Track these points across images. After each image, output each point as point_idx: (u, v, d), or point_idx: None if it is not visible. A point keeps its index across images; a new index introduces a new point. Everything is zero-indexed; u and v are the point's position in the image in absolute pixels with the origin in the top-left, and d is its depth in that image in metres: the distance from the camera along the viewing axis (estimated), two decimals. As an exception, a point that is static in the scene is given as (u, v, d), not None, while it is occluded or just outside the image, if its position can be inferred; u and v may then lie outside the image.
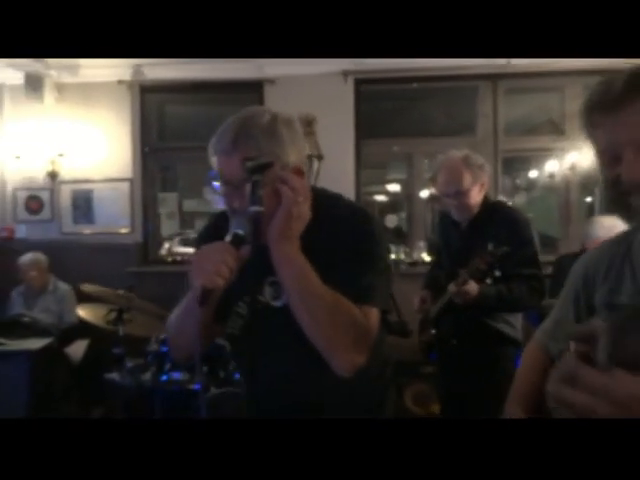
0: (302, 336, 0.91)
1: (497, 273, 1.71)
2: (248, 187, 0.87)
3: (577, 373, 0.47)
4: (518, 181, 5.74)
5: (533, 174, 5.38)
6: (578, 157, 3.64)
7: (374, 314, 0.94)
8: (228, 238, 0.87)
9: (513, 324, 1.90)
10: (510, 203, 4.03)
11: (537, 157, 4.63)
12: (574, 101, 3.62)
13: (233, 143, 0.90)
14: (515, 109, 3.84)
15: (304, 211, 0.92)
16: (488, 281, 1.74)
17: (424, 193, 4.06)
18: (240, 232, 0.87)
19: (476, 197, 1.87)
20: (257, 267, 0.91)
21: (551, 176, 4.36)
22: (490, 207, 1.91)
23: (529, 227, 1.85)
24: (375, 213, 5.10)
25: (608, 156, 0.70)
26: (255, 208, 0.86)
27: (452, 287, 1.80)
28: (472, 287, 1.75)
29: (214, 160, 0.94)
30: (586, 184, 3.75)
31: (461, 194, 1.83)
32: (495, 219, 1.86)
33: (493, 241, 1.75)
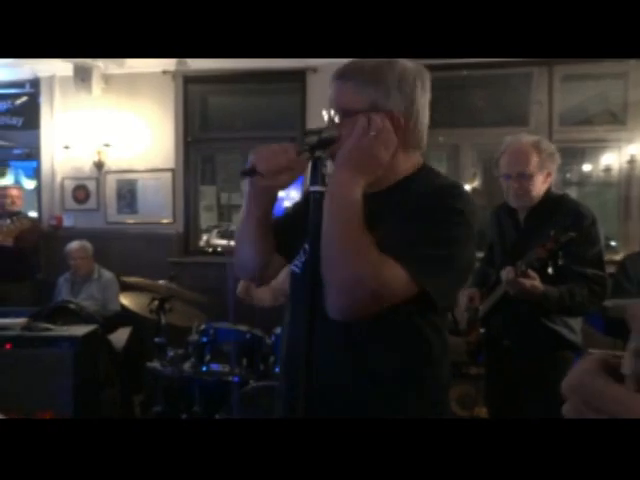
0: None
1: (560, 262, 1.56)
2: (309, 165, 0.81)
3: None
4: (569, 175, 5.44)
5: (586, 167, 5.08)
6: (639, 149, 3.39)
7: (400, 274, 0.81)
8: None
9: (573, 327, 1.76)
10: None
11: (591, 149, 4.36)
12: (638, 89, 3.37)
13: (342, 71, 0.92)
14: (571, 98, 3.61)
15: (379, 150, 0.86)
16: (549, 270, 1.59)
17: (469, 186, 3.90)
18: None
19: (540, 185, 1.73)
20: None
21: (607, 170, 4.09)
22: (554, 199, 1.77)
23: (596, 224, 1.70)
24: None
25: None
26: (316, 188, 0.80)
27: (508, 274, 1.64)
28: (535, 284, 1.60)
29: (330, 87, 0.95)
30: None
31: (525, 176, 1.70)
32: (558, 212, 1.72)
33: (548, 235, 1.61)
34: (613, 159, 3.77)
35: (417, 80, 0.93)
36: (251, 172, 0.86)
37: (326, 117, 0.94)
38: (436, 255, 0.83)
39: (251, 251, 0.99)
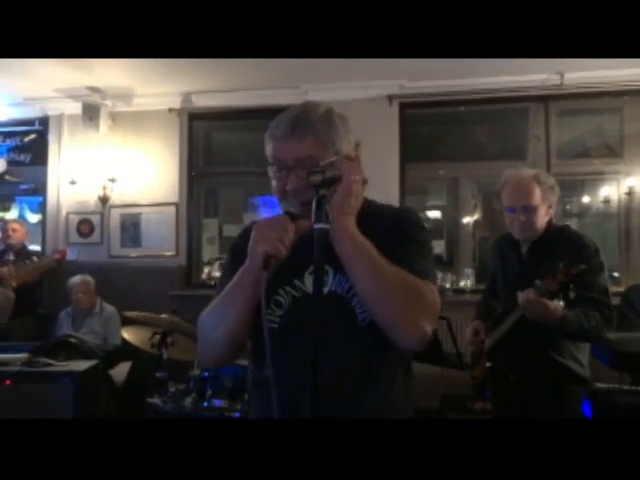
0: (345, 328, 0.90)
1: (572, 295, 1.55)
2: (314, 203, 0.83)
3: None
4: (569, 207, 5.48)
5: (586, 199, 5.13)
6: (637, 181, 3.43)
7: (435, 288, 0.92)
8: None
9: (581, 361, 1.73)
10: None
11: (589, 182, 4.41)
12: (633, 122, 3.44)
13: (292, 128, 0.92)
14: (568, 131, 3.69)
15: (360, 192, 0.93)
16: (560, 302, 1.57)
17: (469, 218, 3.93)
18: (292, 210, 0.88)
19: (542, 218, 1.74)
20: (297, 255, 0.87)
21: (606, 201, 4.13)
22: (556, 231, 1.78)
23: (599, 254, 1.70)
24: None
25: None
26: (321, 226, 0.81)
27: (528, 294, 1.59)
28: (557, 305, 1.56)
29: (270, 147, 0.95)
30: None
31: (529, 209, 1.72)
32: (561, 243, 1.72)
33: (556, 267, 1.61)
34: (612, 191, 3.82)
35: (348, 123, 0.98)
36: (269, 261, 0.82)
37: (273, 174, 0.94)
38: (430, 264, 0.95)
39: (237, 332, 0.90)
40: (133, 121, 3.82)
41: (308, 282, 0.95)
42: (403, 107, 3.54)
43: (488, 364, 1.92)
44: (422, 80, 3.40)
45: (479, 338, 1.95)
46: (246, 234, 1.04)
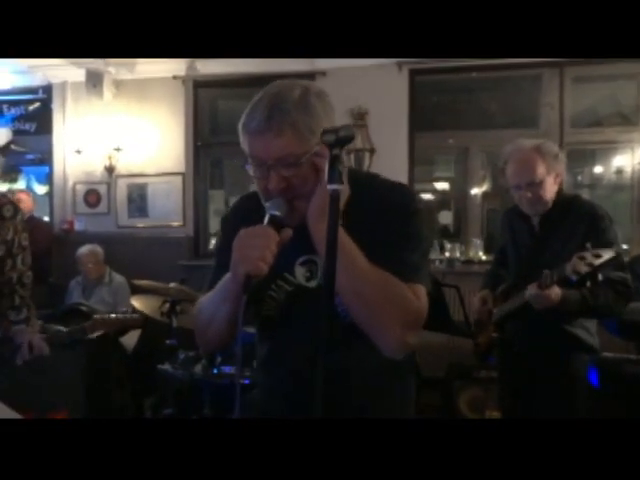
0: (338, 320, 0.87)
1: (600, 277, 1.50)
2: (326, 164, 0.80)
3: None
4: (580, 177, 5.39)
5: (598, 170, 5.04)
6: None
7: (423, 293, 0.87)
8: (265, 221, 0.83)
9: (590, 330, 1.73)
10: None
11: (601, 152, 4.32)
12: (650, 89, 3.34)
13: (266, 120, 0.83)
14: (582, 99, 3.58)
15: (344, 187, 0.84)
16: (587, 284, 1.52)
17: (478, 189, 3.88)
18: (277, 213, 0.83)
19: (550, 189, 1.70)
20: (287, 247, 0.84)
21: (619, 172, 4.05)
22: (567, 201, 1.74)
23: (612, 224, 1.67)
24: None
25: None
26: (335, 186, 0.79)
27: (534, 290, 1.60)
28: (554, 293, 1.57)
29: (244, 141, 0.88)
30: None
31: (534, 185, 1.67)
32: (573, 214, 1.69)
33: (573, 239, 1.58)
34: (625, 161, 3.74)
35: (329, 100, 0.91)
36: (251, 282, 0.79)
37: (253, 172, 0.88)
38: (421, 259, 0.90)
39: (237, 331, 0.86)
40: (137, 89, 3.76)
41: (299, 273, 0.93)
42: (413, 74, 3.45)
43: (494, 334, 1.92)
44: (433, 45, 3.29)
45: (485, 308, 1.95)
46: (236, 211, 1.04)
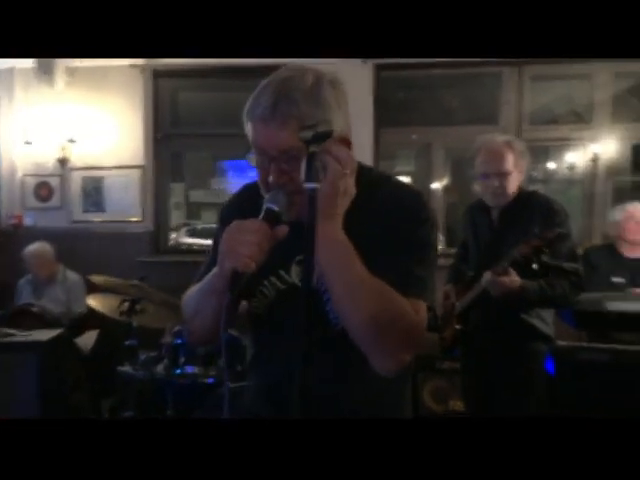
0: (325, 328, 0.84)
1: (544, 258, 1.59)
2: (304, 160, 0.76)
3: None
4: (535, 173, 5.60)
5: (552, 165, 5.24)
6: (601, 148, 3.51)
7: (423, 309, 0.82)
8: (261, 215, 0.79)
9: (546, 320, 1.82)
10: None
11: (555, 148, 4.49)
12: (601, 89, 3.48)
13: (272, 108, 0.79)
14: (539, 98, 3.70)
15: (350, 186, 0.81)
16: (534, 266, 1.61)
17: (439, 183, 3.95)
18: (274, 208, 0.78)
19: (514, 183, 1.78)
20: (285, 244, 0.80)
21: (571, 167, 4.23)
22: (525, 196, 1.81)
23: (568, 218, 1.75)
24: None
25: None
26: (312, 185, 0.75)
27: (488, 276, 1.68)
28: (513, 279, 1.64)
29: (248, 128, 0.84)
30: (609, 176, 3.62)
31: (502, 176, 1.75)
32: (531, 208, 1.77)
33: (529, 232, 1.65)
34: (578, 157, 3.90)
35: (344, 90, 0.86)
36: (239, 279, 0.75)
37: (254, 161, 0.84)
38: (426, 271, 0.84)
39: (221, 328, 0.81)
40: (92, 77, 3.58)
41: (294, 272, 0.90)
42: (378, 69, 3.45)
43: (458, 326, 1.97)
44: (397, 40, 3.31)
45: (449, 302, 2.00)
46: (235, 201, 1.00)
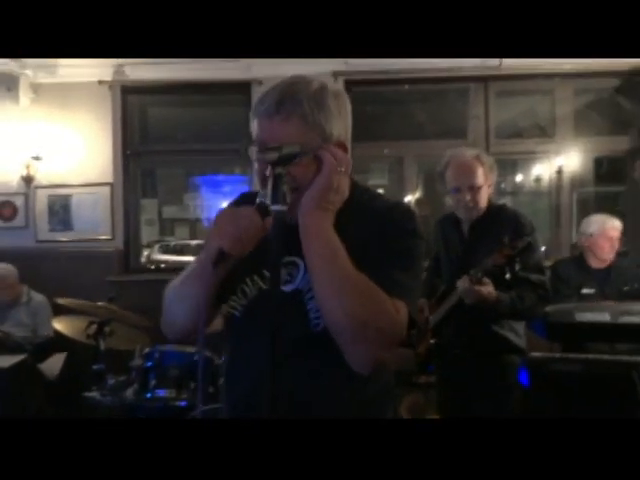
0: (298, 332, 0.84)
1: (517, 267, 1.62)
2: (270, 181, 0.77)
3: None
4: (504, 185, 5.74)
5: (519, 178, 5.38)
6: (566, 161, 3.63)
7: (404, 310, 0.82)
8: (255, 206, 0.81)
9: (519, 332, 1.84)
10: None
11: (522, 162, 4.63)
12: (563, 104, 3.61)
13: (277, 105, 0.83)
14: (504, 112, 3.82)
15: (343, 185, 0.84)
16: (507, 276, 1.64)
17: (411, 196, 4.00)
18: (267, 201, 0.80)
19: (485, 197, 1.81)
20: (273, 244, 0.80)
21: (538, 180, 4.36)
22: (494, 210, 1.85)
23: (534, 231, 1.79)
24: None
25: None
26: (278, 207, 0.76)
27: (465, 283, 1.68)
28: (490, 290, 1.65)
29: (254, 125, 0.87)
30: (574, 187, 3.74)
31: (474, 189, 1.77)
32: (500, 221, 1.80)
33: (498, 244, 1.67)
34: (543, 170, 4.02)
35: (347, 102, 0.91)
36: (223, 258, 0.77)
37: (255, 156, 0.86)
38: (410, 278, 0.85)
39: (202, 315, 0.83)
40: (59, 94, 3.49)
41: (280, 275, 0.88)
42: (348, 84, 3.50)
43: (432, 340, 1.97)
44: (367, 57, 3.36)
45: (422, 316, 2.00)
46: (234, 207, 0.98)
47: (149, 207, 4.39)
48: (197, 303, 0.81)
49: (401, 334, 0.83)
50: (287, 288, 0.88)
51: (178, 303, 0.89)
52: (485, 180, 1.78)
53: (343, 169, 0.83)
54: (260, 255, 0.79)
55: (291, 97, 0.83)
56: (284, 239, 0.78)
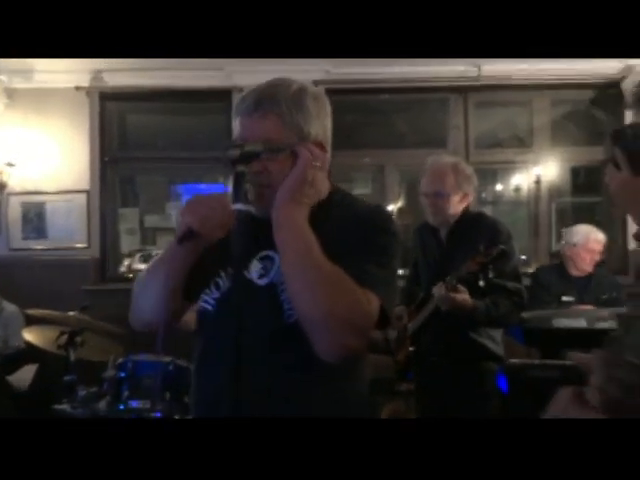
0: (272, 324, 0.85)
1: (490, 274, 1.63)
2: (231, 180, 0.77)
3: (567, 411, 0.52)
4: (484, 195, 5.81)
5: (499, 187, 5.45)
6: (543, 170, 3.69)
7: (375, 301, 0.83)
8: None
9: (496, 339, 1.84)
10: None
11: (502, 171, 4.69)
12: (541, 115, 3.68)
13: (255, 104, 0.86)
14: (483, 123, 3.87)
15: (318, 180, 0.86)
16: (481, 283, 1.65)
17: (393, 205, 4.02)
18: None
19: (456, 205, 1.82)
20: (249, 239, 0.83)
21: (517, 189, 4.42)
22: (472, 217, 1.86)
23: (511, 239, 1.81)
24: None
25: None
26: (239, 206, 0.76)
27: (440, 290, 1.69)
28: (464, 297, 1.65)
29: (236, 124, 0.90)
30: (552, 197, 3.80)
31: (440, 196, 1.79)
32: (477, 228, 1.81)
33: (474, 252, 1.68)
34: (522, 180, 4.08)
35: (326, 104, 0.93)
36: (190, 236, 0.77)
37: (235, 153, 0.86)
38: (384, 274, 0.86)
39: (164, 303, 0.84)
40: (34, 99, 3.43)
41: (254, 268, 0.89)
42: (329, 93, 3.50)
43: (411, 348, 1.97)
44: (348, 66, 3.38)
45: (401, 324, 1.99)
46: None
47: (130, 216, 4.31)
48: (163, 288, 0.82)
49: (371, 325, 0.84)
50: (262, 282, 0.88)
51: (145, 290, 0.89)
52: (455, 188, 1.79)
53: (319, 164, 0.85)
54: (234, 249, 0.82)
55: (270, 97, 0.86)
56: (248, 239, 0.78)
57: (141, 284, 0.92)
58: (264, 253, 0.89)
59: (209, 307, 0.92)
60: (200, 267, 0.88)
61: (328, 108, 0.92)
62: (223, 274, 0.91)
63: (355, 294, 0.80)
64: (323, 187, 0.89)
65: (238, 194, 0.76)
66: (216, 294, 0.91)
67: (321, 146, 0.89)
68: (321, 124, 0.90)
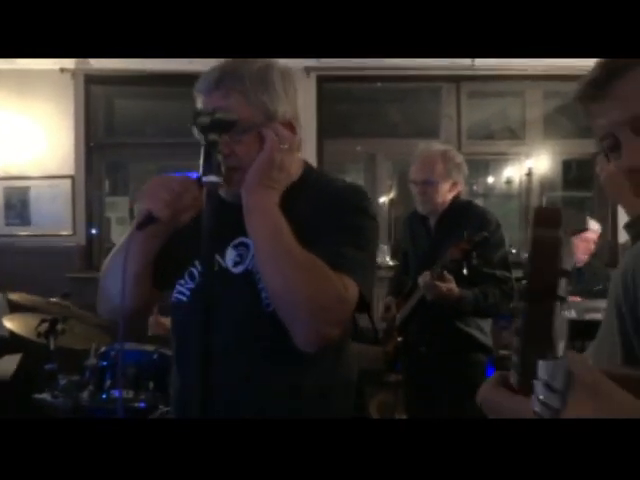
0: (249, 312, 0.82)
1: (474, 261, 1.61)
2: (202, 150, 0.72)
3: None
4: (475, 187, 5.81)
5: (491, 179, 5.44)
6: (535, 163, 3.68)
7: (352, 287, 0.80)
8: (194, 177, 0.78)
9: (484, 329, 1.83)
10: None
11: (494, 163, 4.68)
12: (534, 106, 3.66)
13: (216, 81, 0.81)
14: (476, 114, 3.84)
15: (287, 163, 0.82)
16: (464, 271, 1.62)
17: (385, 197, 3.99)
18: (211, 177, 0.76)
19: (445, 194, 1.79)
20: (223, 225, 0.78)
21: (509, 182, 4.41)
22: (461, 206, 1.84)
23: (500, 228, 1.80)
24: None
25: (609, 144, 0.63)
26: (210, 178, 0.71)
27: (426, 277, 1.66)
28: (450, 287, 1.63)
29: (198, 102, 0.85)
30: (543, 190, 3.79)
31: (428, 184, 1.77)
32: (467, 217, 1.80)
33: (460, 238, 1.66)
34: (514, 172, 4.07)
35: (293, 81, 0.88)
36: (150, 222, 0.72)
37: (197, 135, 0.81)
38: (361, 256, 0.83)
39: (132, 290, 0.80)
40: (17, 81, 3.34)
41: (229, 256, 0.86)
42: (321, 80, 3.45)
43: (399, 338, 1.95)
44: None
45: (390, 314, 1.98)
46: None
47: (121, 205, 4.24)
48: (123, 274, 0.77)
49: (348, 312, 0.81)
50: (237, 269, 0.85)
51: (107, 277, 0.86)
52: (444, 176, 1.77)
53: (286, 146, 0.81)
54: (210, 236, 0.75)
55: (231, 74, 0.81)
56: (221, 225, 0.74)
57: (104, 270, 0.90)
58: (238, 240, 0.86)
59: (184, 298, 0.88)
60: (170, 254, 0.84)
61: (295, 85, 0.88)
62: (198, 264, 0.87)
63: (330, 280, 0.77)
64: (294, 169, 0.86)
65: (210, 165, 0.70)
66: (190, 284, 0.88)
67: (290, 126, 0.85)
68: (290, 102, 0.85)
